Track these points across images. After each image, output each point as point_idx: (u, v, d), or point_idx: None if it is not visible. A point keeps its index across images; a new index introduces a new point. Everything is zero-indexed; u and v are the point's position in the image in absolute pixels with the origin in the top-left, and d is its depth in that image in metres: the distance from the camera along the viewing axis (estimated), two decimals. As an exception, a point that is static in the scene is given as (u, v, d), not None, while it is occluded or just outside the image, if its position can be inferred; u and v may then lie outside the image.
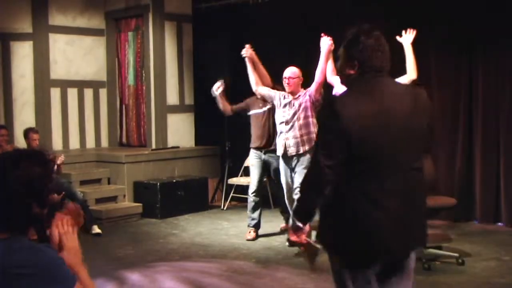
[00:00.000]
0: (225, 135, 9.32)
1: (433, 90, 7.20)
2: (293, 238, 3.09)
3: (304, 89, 6.54)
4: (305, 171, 4.52)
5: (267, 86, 6.74)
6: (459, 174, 7.50)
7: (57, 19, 9.53)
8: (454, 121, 7.46)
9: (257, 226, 7.13)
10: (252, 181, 7.18)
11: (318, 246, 3.18)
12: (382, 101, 2.79)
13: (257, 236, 7.06)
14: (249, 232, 7.08)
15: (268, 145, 7.01)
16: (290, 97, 6.47)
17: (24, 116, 9.31)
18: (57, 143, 9.52)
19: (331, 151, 2.76)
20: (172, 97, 9.68)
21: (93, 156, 9.23)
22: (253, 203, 7.11)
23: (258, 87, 6.66)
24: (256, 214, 7.11)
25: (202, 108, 9.87)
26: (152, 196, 8.46)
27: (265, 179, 8.38)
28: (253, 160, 7.16)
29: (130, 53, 9.97)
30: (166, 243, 7.03)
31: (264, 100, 6.87)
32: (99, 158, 9.18)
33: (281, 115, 6.44)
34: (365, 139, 2.73)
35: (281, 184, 6.68)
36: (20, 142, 8.35)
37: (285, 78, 6.52)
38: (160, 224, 8.10)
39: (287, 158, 6.39)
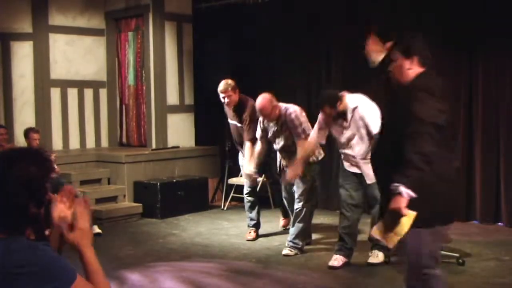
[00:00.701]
0: (225, 135, 9.31)
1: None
2: (404, 210, 3.32)
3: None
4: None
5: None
6: (459, 174, 7.49)
7: (57, 19, 9.53)
8: (455, 121, 7.46)
9: (256, 226, 7.13)
10: (245, 181, 7.18)
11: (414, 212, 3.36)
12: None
13: (257, 236, 7.06)
14: (249, 232, 7.08)
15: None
16: (272, 124, 6.41)
17: (24, 116, 9.32)
18: (57, 143, 9.52)
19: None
20: (172, 97, 9.68)
21: (93, 156, 9.23)
22: (248, 203, 7.11)
23: (258, 140, 6.64)
24: (254, 214, 7.10)
25: (202, 108, 9.87)
26: (152, 196, 8.46)
27: (264, 180, 8.40)
28: (242, 161, 7.17)
29: (130, 53, 9.97)
30: (166, 243, 7.03)
31: (237, 116, 6.94)
32: (99, 158, 9.17)
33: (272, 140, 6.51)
34: None
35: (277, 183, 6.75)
36: (20, 142, 8.37)
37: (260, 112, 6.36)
38: (160, 224, 8.10)
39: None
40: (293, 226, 6.36)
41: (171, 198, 8.52)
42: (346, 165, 5.84)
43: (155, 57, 9.47)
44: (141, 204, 8.52)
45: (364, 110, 5.59)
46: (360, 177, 5.74)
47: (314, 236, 6.95)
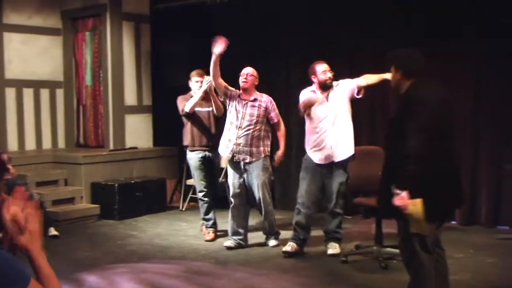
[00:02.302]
0: (183, 135, 9.30)
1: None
2: (401, 203, 3.73)
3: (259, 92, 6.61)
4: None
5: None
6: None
7: (11, 17, 9.36)
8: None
9: (215, 226, 7.15)
10: (198, 182, 7.17)
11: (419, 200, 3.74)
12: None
13: (216, 237, 7.08)
14: (208, 232, 7.10)
15: (215, 144, 6.89)
16: (246, 97, 6.51)
17: (-22, 117, 9.15)
18: (12, 144, 9.36)
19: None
20: (130, 98, 9.63)
21: (50, 157, 9.11)
22: (205, 205, 7.12)
23: (219, 80, 6.53)
24: (211, 215, 7.14)
25: (160, 109, 9.84)
26: (110, 197, 8.40)
27: (223, 180, 8.41)
28: (196, 162, 7.12)
29: (87, 53, 9.87)
30: (124, 245, 7.00)
31: (209, 99, 6.86)
32: (56, 159, 9.06)
33: (234, 117, 6.48)
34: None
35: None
36: (-26, 143, 8.22)
37: (243, 74, 6.56)
38: (118, 226, 8.05)
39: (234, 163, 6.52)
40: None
41: (129, 199, 8.47)
42: (318, 158, 6.01)
43: (113, 57, 9.40)
44: (98, 206, 8.45)
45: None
46: (326, 168, 6.02)
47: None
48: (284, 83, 8.60)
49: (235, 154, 6.42)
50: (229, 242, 6.63)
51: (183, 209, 8.95)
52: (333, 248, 6.21)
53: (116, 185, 8.45)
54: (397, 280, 5.29)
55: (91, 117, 9.90)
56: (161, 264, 6.10)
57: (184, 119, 7.19)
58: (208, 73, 6.79)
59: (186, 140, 7.20)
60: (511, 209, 7.09)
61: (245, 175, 6.49)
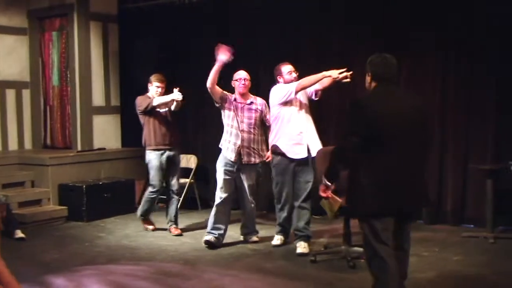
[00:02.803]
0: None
1: (359, 90, 7.35)
2: (322, 193, 4.31)
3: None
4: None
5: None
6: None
7: (-24, 16, 9.25)
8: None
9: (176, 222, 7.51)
10: (155, 180, 7.35)
11: (340, 200, 4.44)
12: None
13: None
14: (175, 228, 7.46)
15: (174, 143, 7.32)
16: (242, 101, 6.71)
17: None
18: (-23, 145, 9.24)
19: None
20: (98, 98, 9.55)
21: (16, 159, 8.99)
22: (162, 201, 7.65)
23: (216, 87, 6.67)
24: (172, 210, 7.49)
25: (128, 110, 9.76)
26: (77, 198, 8.32)
27: (192, 181, 8.45)
28: (157, 161, 7.28)
29: (54, 53, 9.76)
30: (92, 246, 6.94)
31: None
32: (22, 160, 8.95)
33: (233, 120, 6.61)
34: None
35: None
36: None
37: (241, 79, 6.69)
38: (86, 227, 7.98)
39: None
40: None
41: (97, 201, 8.41)
42: (296, 153, 6.30)
43: (80, 57, 9.32)
44: (66, 207, 8.37)
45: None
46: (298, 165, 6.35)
47: (241, 238, 7.04)
48: (254, 84, 8.59)
49: (242, 156, 6.57)
50: (209, 236, 6.67)
51: (152, 210, 8.90)
52: (302, 248, 6.31)
53: (84, 186, 8.38)
54: (365, 278, 5.33)
55: (58, 118, 9.79)
56: (130, 266, 6.06)
57: (142, 119, 7.33)
58: (163, 79, 7.35)
59: (147, 140, 7.32)
60: (476, 207, 7.20)
61: (236, 175, 6.65)
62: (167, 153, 7.29)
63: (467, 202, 7.36)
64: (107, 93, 9.67)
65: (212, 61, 8.84)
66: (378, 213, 3.96)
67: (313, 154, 6.27)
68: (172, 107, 7.23)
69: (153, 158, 7.28)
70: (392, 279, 3.96)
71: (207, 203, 9.00)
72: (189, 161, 9.00)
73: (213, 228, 6.68)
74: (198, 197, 8.85)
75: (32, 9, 9.78)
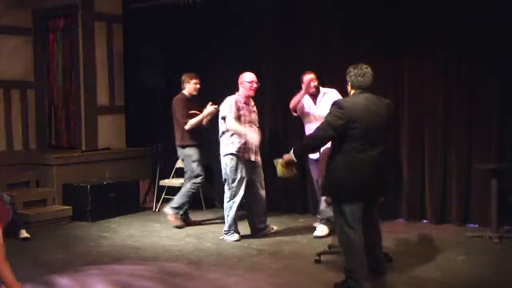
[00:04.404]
0: (156, 136, 9.29)
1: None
2: (286, 158, 5.25)
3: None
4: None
5: None
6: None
7: (-20, 17, 9.27)
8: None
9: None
10: (200, 170, 7.74)
11: (295, 159, 5.22)
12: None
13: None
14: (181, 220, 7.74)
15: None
16: (247, 102, 6.97)
17: None
18: (-18, 145, 9.27)
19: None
20: (102, 98, 9.57)
21: (21, 159, 9.02)
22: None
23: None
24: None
25: (133, 109, 9.80)
26: (82, 198, 8.34)
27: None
28: (198, 155, 7.72)
29: (59, 53, 9.78)
30: (97, 246, 6.96)
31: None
32: (27, 160, 8.97)
33: (243, 123, 6.85)
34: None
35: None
36: None
37: (253, 81, 6.89)
38: (90, 227, 7.99)
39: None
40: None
41: (101, 201, 8.43)
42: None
43: (85, 57, 9.33)
44: (71, 207, 8.38)
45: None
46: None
47: (245, 238, 7.05)
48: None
49: (255, 155, 6.86)
50: (237, 236, 6.95)
51: (156, 210, 8.92)
52: (320, 231, 6.95)
53: (89, 186, 8.40)
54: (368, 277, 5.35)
55: (63, 118, 9.81)
56: (134, 266, 6.07)
57: (180, 119, 7.65)
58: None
59: (187, 137, 7.66)
60: (480, 207, 7.18)
61: (252, 173, 6.95)
62: (200, 148, 7.77)
63: (471, 202, 7.34)
64: (112, 93, 9.69)
65: (217, 61, 8.91)
66: (349, 198, 4.80)
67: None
68: (204, 122, 7.73)
69: (194, 152, 7.66)
70: (356, 253, 4.84)
71: (211, 203, 9.02)
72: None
73: (237, 228, 7.00)
74: (202, 197, 8.85)
75: (36, 10, 9.79)
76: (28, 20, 9.81)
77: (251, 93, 6.89)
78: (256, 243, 6.83)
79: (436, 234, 6.99)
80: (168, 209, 7.70)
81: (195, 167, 7.71)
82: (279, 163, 5.43)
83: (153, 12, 9.36)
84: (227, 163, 6.85)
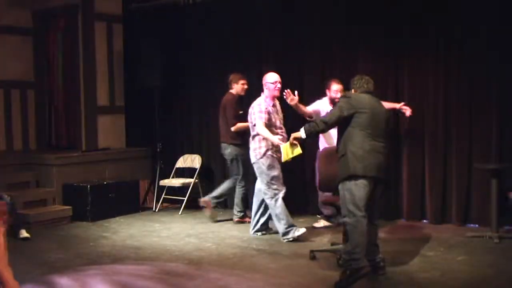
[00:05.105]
0: (156, 136, 9.29)
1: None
2: (292, 139, 5.69)
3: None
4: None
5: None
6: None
7: (-19, 17, 9.27)
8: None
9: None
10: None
11: (300, 151, 5.84)
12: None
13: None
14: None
15: None
16: (275, 105, 7.05)
17: None
18: (-18, 145, 9.27)
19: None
20: (103, 98, 9.57)
21: (21, 159, 9.01)
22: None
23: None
24: None
25: (133, 110, 9.80)
26: (82, 198, 8.34)
27: (196, 181, 8.46)
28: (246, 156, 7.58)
29: (59, 53, 9.79)
30: (97, 246, 6.96)
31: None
32: (27, 160, 8.97)
33: (272, 123, 6.90)
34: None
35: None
36: None
37: (277, 82, 6.90)
38: (90, 227, 7.99)
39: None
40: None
41: (101, 201, 8.42)
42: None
43: (85, 57, 9.34)
44: (71, 207, 8.37)
45: None
46: None
47: (247, 237, 7.04)
48: (255, 83, 8.60)
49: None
50: (301, 230, 6.86)
51: (156, 210, 8.92)
52: (319, 222, 7.46)
53: (89, 186, 8.40)
54: (371, 278, 5.35)
55: (63, 118, 9.81)
56: (134, 266, 6.07)
57: (235, 119, 7.73)
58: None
59: (238, 137, 7.72)
60: (480, 207, 7.18)
61: None
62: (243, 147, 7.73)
63: (471, 202, 7.34)
64: (112, 93, 9.69)
65: (217, 61, 8.91)
66: (358, 175, 5.13)
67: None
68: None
69: (242, 153, 7.67)
70: (362, 239, 5.12)
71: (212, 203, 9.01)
72: (193, 161, 9.01)
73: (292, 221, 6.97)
74: (202, 197, 8.84)
75: (37, 10, 9.80)
76: (28, 20, 9.82)
77: (276, 93, 6.91)
78: (256, 243, 6.83)
79: (436, 234, 6.99)
80: (207, 198, 8.02)
81: (242, 168, 7.78)
82: (284, 147, 5.88)
83: (153, 12, 9.37)
84: (263, 163, 6.79)
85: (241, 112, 7.67)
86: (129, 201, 8.86)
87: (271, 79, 6.91)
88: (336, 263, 5.72)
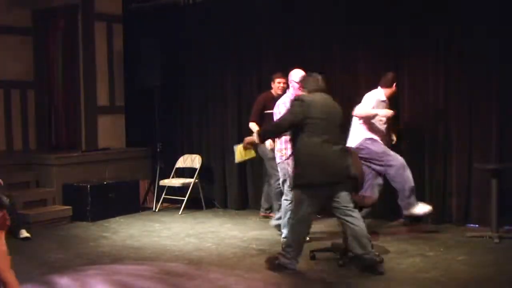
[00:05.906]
0: (156, 136, 9.29)
1: (361, 91, 7.35)
2: (247, 141, 5.81)
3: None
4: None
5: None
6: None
7: (-20, 17, 9.27)
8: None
9: None
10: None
11: (257, 141, 5.81)
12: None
13: None
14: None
15: None
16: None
17: None
18: (-18, 145, 9.26)
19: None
20: (103, 98, 9.57)
21: (21, 159, 9.01)
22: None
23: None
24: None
25: (133, 110, 9.80)
26: (82, 198, 8.34)
27: (196, 181, 8.44)
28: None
29: (59, 53, 9.78)
30: (97, 246, 6.95)
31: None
32: (27, 160, 8.96)
33: None
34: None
35: None
36: None
37: (294, 81, 6.59)
38: (90, 227, 7.99)
39: None
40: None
41: (101, 201, 8.43)
42: None
43: (85, 57, 9.34)
44: (71, 207, 8.38)
45: None
46: None
47: (247, 237, 7.04)
48: (255, 83, 8.62)
49: None
50: None
51: (156, 210, 8.92)
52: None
53: (89, 186, 8.39)
54: (367, 277, 5.35)
55: (63, 118, 9.81)
56: (134, 266, 6.07)
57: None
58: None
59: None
60: (480, 207, 7.18)
61: None
62: None
63: (471, 201, 7.34)
64: (112, 93, 9.69)
65: (217, 61, 8.91)
66: (310, 184, 5.30)
67: None
68: None
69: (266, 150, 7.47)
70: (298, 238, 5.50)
71: (212, 203, 9.02)
72: (193, 161, 9.01)
73: None
74: (202, 197, 8.86)
75: (37, 9, 9.80)
76: (28, 20, 9.82)
77: (294, 91, 6.68)
78: (256, 243, 6.83)
79: (436, 234, 6.99)
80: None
81: (273, 168, 7.52)
82: (238, 148, 5.99)
83: (153, 12, 9.38)
84: (289, 163, 6.61)
85: (267, 111, 7.39)
86: (129, 201, 8.86)
87: (297, 77, 6.52)
88: (336, 263, 5.72)
